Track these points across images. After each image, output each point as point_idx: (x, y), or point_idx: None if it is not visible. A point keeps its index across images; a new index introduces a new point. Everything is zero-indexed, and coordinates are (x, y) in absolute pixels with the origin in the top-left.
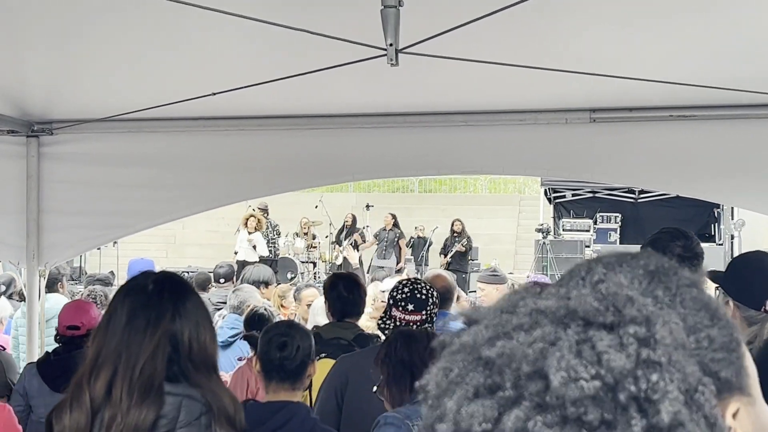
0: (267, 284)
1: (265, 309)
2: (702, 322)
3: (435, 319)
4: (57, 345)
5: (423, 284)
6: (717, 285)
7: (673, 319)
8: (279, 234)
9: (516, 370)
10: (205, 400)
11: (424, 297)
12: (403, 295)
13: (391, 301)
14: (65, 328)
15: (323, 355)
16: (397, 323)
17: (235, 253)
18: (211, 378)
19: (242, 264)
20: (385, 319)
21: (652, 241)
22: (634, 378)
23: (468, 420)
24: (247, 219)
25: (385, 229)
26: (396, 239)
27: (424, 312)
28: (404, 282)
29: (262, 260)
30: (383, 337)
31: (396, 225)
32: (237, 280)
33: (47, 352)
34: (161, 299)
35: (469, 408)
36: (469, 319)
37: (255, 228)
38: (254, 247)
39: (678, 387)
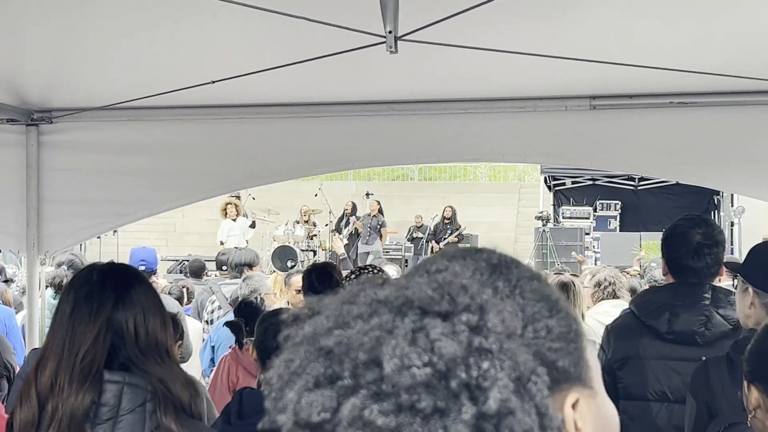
0: (251, 266)
1: (255, 297)
2: (540, 313)
3: None
4: None
5: (371, 269)
6: (735, 274)
7: (508, 308)
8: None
9: (354, 359)
10: (151, 387)
11: None
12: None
13: None
14: None
15: None
16: None
17: (221, 243)
18: (163, 364)
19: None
20: None
21: (672, 228)
22: (466, 365)
23: (307, 410)
24: (226, 207)
25: (369, 215)
26: (379, 226)
27: None
28: (354, 270)
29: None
30: None
31: (380, 212)
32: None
33: None
34: (104, 289)
35: (309, 398)
36: (311, 311)
37: (236, 214)
38: (251, 225)
39: (508, 375)
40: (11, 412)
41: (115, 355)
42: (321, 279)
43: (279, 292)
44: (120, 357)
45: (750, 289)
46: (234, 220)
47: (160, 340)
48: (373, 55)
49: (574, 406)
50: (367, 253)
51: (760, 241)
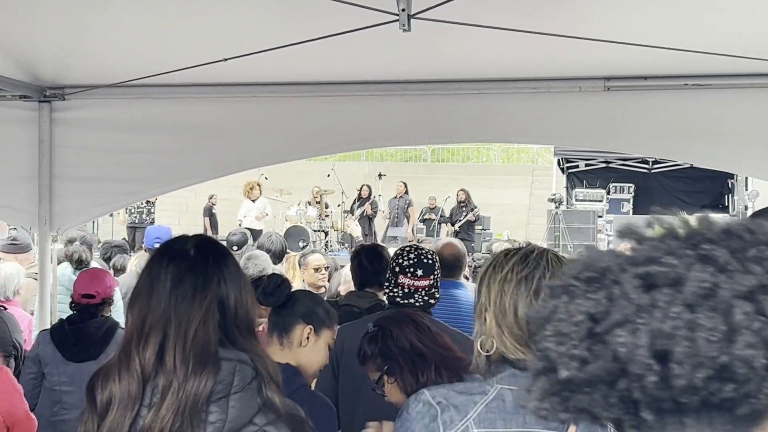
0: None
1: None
2: None
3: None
4: (71, 312)
5: (426, 250)
6: None
7: None
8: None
9: None
10: (254, 365)
11: (430, 262)
12: (410, 261)
13: (396, 269)
14: (80, 296)
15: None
16: (406, 290)
17: (240, 223)
18: (253, 342)
19: (251, 232)
20: (391, 287)
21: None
22: None
23: None
24: (252, 188)
25: (395, 198)
26: (406, 207)
27: (431, 277)
28: (406, 248)
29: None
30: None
31: (406, 193)
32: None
33: (61, 320)
34: (206, 264)
35: None
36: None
37: (259, 195)
38: (266, 214)
39: None
40: (96, 381)
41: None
42: (370, 258)
43: (292, 271)
44: (220, 335)
45: None
46: (254, 201)
47: (251, 318)
48: (386, 34)
49: None
50: (395, 237)
51: None
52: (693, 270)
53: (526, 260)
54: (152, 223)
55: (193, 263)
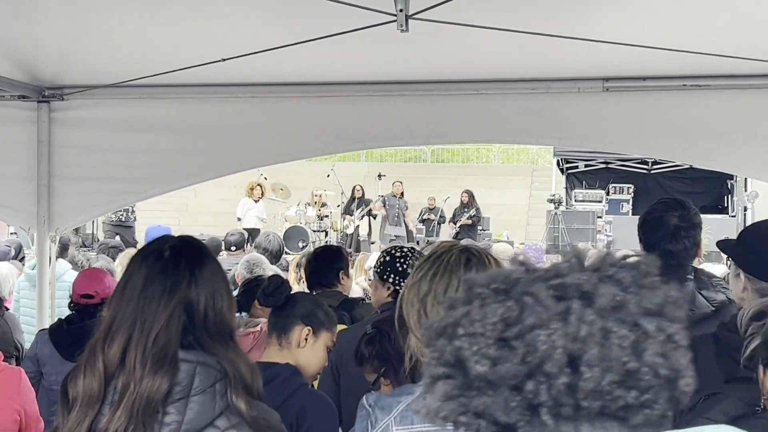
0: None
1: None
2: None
3: None
4: (70, 312)
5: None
6: (728, 255)
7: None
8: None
9: None
10: (221, 367)
11: None
12: None
13: None
14: (79, 296)
15: None
16: None
17: (238, 219)
18: (227, 346)
19: (250, 232)
20: None
21: (648, 212)
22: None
23: None
24: (253, 188)
25: (395, 196)
26: (405, 207)
27: None
28: (417, 251)
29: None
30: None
31: (402, 195)
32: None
33: (60, 319)
34: (178, 266)
35: None
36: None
37: (260, 196)
38: (262, 218)
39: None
40: (68, 379)
41: (184, 335)
42: (317, 259)
43: (293, 273)
44: (187, 338)
45: (742, 275)
46: (256, 201)
47: (226, 322)
48: (384, 34)
49: None
50: (396, 237)
51: None
52: (601, 287)
53: (421, 267)
54: (135, 220)
55: (165, 265)
